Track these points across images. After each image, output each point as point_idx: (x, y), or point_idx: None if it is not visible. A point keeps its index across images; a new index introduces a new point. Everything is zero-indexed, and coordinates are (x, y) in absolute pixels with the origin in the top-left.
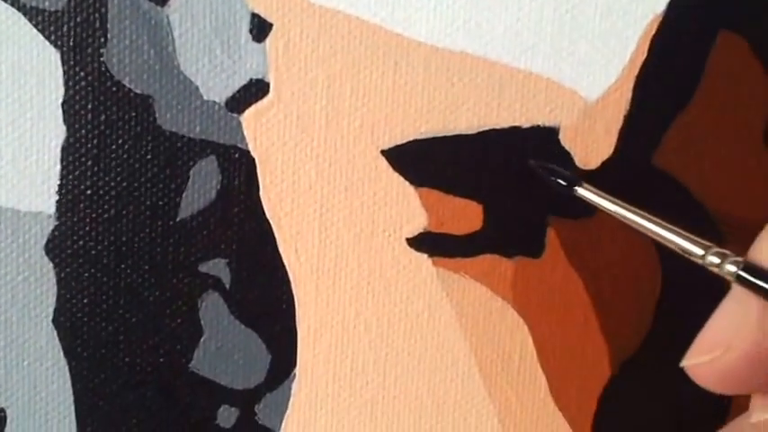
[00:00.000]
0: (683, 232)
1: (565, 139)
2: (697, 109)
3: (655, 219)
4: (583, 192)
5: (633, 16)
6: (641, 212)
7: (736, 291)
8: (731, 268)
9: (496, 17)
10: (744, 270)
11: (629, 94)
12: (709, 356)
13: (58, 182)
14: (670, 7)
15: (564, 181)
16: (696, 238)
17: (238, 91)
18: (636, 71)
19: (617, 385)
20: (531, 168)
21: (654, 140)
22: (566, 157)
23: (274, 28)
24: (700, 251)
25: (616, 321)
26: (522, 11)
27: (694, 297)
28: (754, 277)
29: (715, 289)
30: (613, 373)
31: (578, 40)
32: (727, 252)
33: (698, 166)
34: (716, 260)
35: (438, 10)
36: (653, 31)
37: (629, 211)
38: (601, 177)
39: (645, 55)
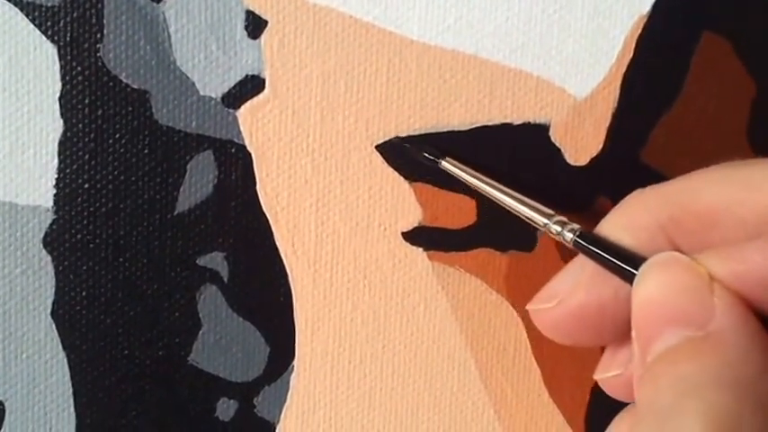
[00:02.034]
0: (531, 203)
1: (555, 136)
2: (683, 107)
3: (507, 191)
4: (446, 165)
5: (619, 16)
6: (495, 185)
7: (580, 254)
8: (568, 235)
9: (487, 16)
10: (579, 237)
11: (617, 93)
12: (546, 305)
13: (56, 176)
14: (655, 8)
15: (430, 155)
16: (541, 208)
17: (234, 87)
18: (623, 70)
19: None
20: (397, 145)
21: (641, 137)
22: (556, 154)
23: (269, 25)
24: (543, 220)
25: None
26: (511, 10)
27: None
28: (588, 244)
29: None
30: None
31: (567, 39)
32: (566, 220)
33: (684, 162)
34: (557, 228)
35: (430, 9)
36: (639, 31)
37: (486, 183)
38: (590, 173)
39: (632, 54)
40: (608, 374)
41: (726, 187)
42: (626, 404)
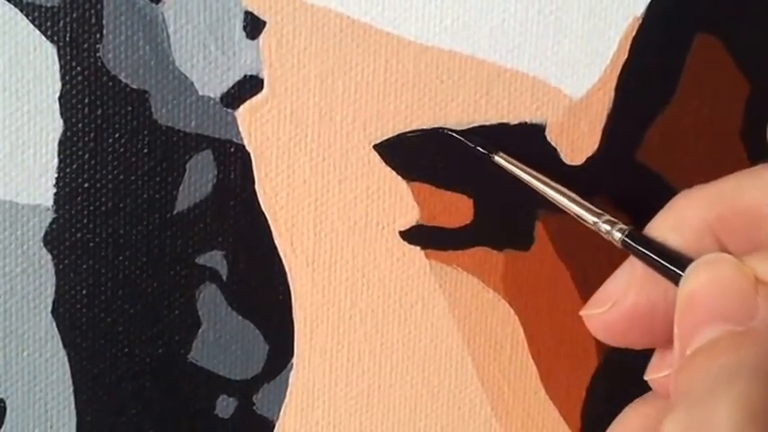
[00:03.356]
0: (582, 201)
1: (551, 136)
2: (677, 107)
3: (560, 188)
4: (499, 159)
5: (614, 18)
6: (548, 182)
7: (630, 257)
8: (617, 235)
9: (484, 18)
10: (628, 237)
11: (612, 93)
12: (600, 309)
13: (56, 175)
14: (649, 10)
15: (483, 149)
16: (591, 207)
17: (233, 87)
18: (618, 71)
19: (604, 373)
20: (453, 137)
21: (636, 137)
22: (552, 154)
23: (267, 25)
24: (593, 218)
25: None
26: (508, 12)
27: None
28: (637, 244)
29: None
30: (600, 362)
31: (562, 40)
32: (615, 221)
33: (679, 161)
34: (606, 227)
35: (427, 10)
36: (633, 33)
37: (539, 180)
38: (586, 173)
39: (626, 55)
40: (659, 375)
41: None
42: (625, 403)
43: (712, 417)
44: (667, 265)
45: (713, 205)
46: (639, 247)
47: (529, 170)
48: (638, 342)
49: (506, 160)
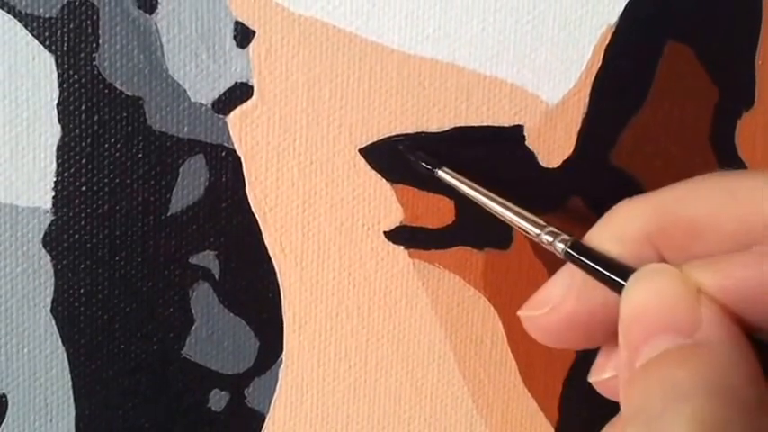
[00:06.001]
0: (525, 213)
1: (529, 140)
2: (649, 112)
3: (501, 201)
4: (443, 174)
5: (589, 27)
6: (490, 195)
7: (569, 263)
8: (560, 246)
9: (464, 27)
10: (570, 248)
11: (587, 99)
12: (538, 312)
13: (54, 179)
14: (622, 19)
15: (427, 164)
16: (534, 219)
17: (224, 93)
18: (592, 77)
19: (580, 367)
20: (401, 152)
21: (610, 141)
22: (530, 157)
23: (257, 35)
24: (536, 230)
25: None
26: (487, 21)
27: None
28: (579, 255)
29: None
30: (577, 356)
31: (539, 48)
32: (558, 231)
33: (651, 164)
34: (549, 238)
35: (410, 19)
36: (607, 41)
37: (481, 194)
38: (562, 175)
39: (600, 62)
40: (603, 377)
41: (709, 198)
42: (599, 400)
43: None
44: (610, 275)
45: (653, 216)
46: (582, 258)
47: (472, 184)
48: (575, 344)
49: (450, 175)
